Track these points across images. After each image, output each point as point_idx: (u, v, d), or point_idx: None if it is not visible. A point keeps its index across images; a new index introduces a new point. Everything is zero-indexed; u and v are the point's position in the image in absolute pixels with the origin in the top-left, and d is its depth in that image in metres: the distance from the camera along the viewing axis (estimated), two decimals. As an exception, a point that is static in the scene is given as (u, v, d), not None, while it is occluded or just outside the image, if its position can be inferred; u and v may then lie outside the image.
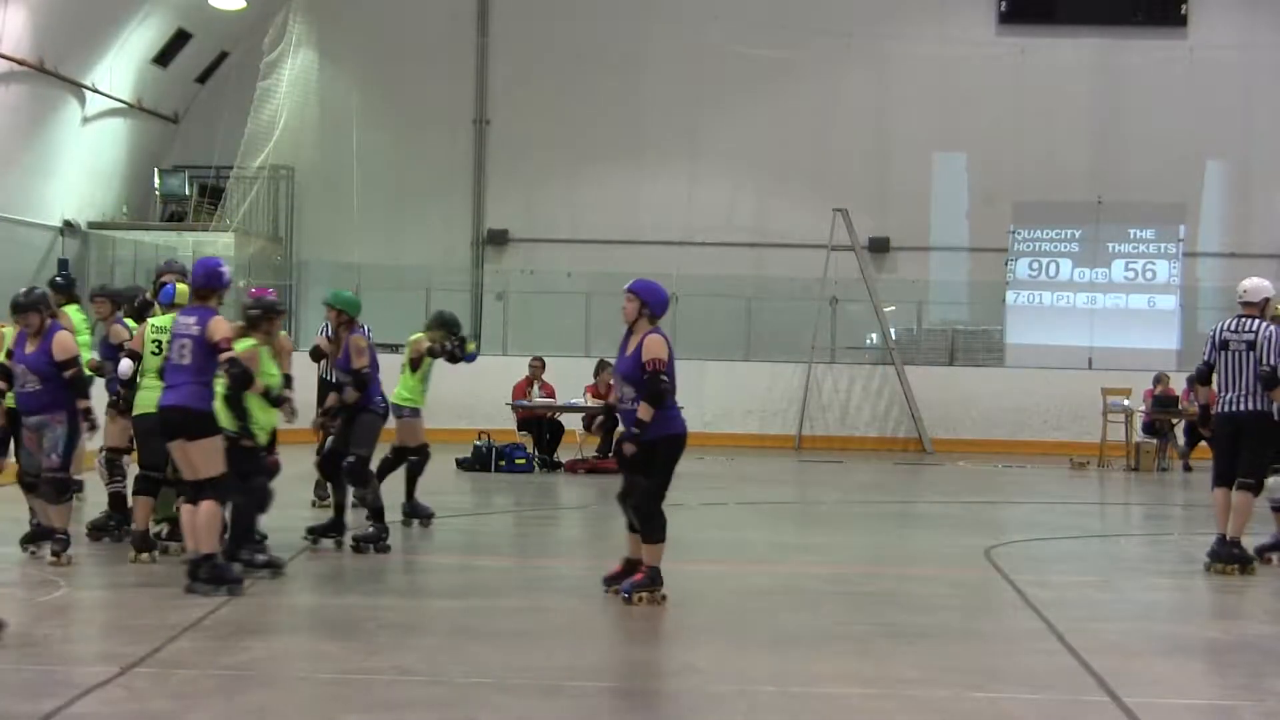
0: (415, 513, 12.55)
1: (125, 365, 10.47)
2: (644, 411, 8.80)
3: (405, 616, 8.86)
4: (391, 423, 11.91)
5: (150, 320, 10.36)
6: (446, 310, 13.30)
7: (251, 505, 9.67)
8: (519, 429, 19.22)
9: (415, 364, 12.52)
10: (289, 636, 8.12)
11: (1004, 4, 26.29)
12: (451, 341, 12.71)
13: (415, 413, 12.56)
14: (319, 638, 8.03)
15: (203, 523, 8.99)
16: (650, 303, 9.02)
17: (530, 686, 7.00)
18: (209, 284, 9.31)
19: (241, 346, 9.50)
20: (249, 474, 9.57)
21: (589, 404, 19.42)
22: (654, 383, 8.73)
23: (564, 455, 19.27)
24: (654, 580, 8.88)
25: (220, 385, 9.24)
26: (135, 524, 10.39)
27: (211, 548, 9.00)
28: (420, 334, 12.71)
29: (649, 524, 8.87)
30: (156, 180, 25.67)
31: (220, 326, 9.06)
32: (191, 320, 9.14)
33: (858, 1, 26.45)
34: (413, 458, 12.59)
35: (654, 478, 8.92)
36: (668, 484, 8.96)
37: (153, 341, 10.18)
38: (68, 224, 23.28)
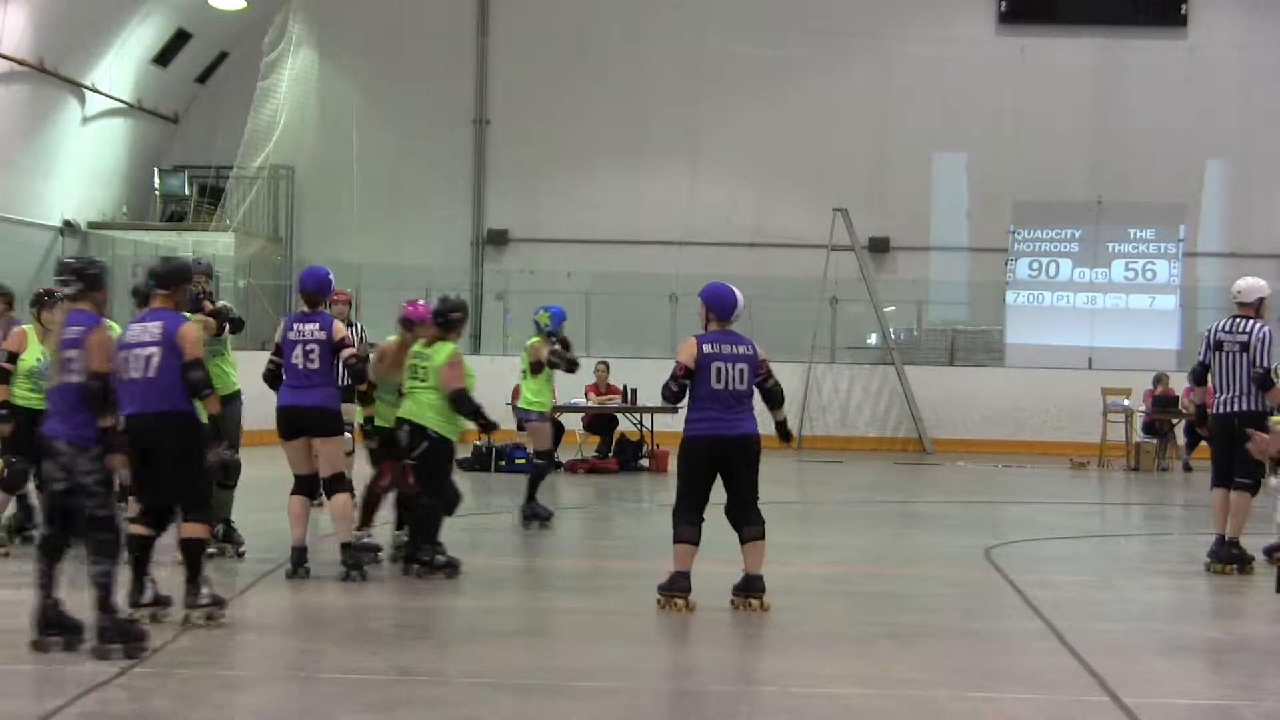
0: (534, 514, 12.55)
1: None
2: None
3: (405, 616, 8.86)
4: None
5: None
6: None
7: (441, 507, 9.93)
8: (519, 429, 19.19)
9: (536, 368, 12.60)
10: (289, 636, 8.12)
11: (1004, 4, 26.29)
12: (549, 341, 12.78)
13: (542, 416, 12.69)
14: (319, 638, 8.03)
15: (339, 514, 9.61)
16: (710, 306, 8.94)
17: (530, 686, 7.00)
18: (320, 290, 9.93)
19: (445, 352, 9.84)
20: (445, 477, 9.93)
21: (589, 404, 19.42)
22: (669, 378, 8.80)
23: (564, 455, 19.27)
24: (672, 584, 8.78)
25: (431, 394, 9.75)
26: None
27: (348, 536, 9.62)
28: (536, 339, 12.79)
29: (673, 523, 8.86)
30: (156, 180, 25.68)
31: (340, 328, 9.72)
32: (315, 326, 9.63)
33: (858, 1, 26.46)
34: (539, 461, 12.62)
35: (678, 478, 8.95)
36: (685, 486, 8.81)
37: None
38: (68, 224, 23.30)
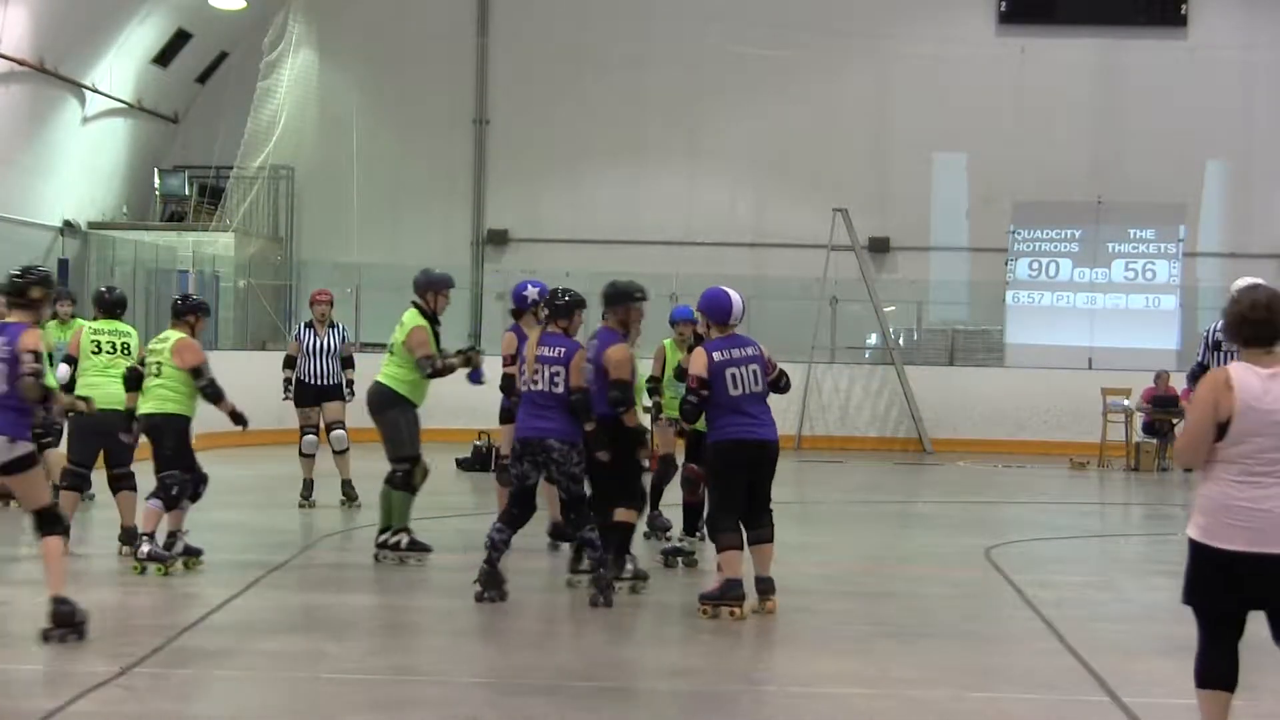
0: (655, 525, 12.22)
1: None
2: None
3: (405, 616, 8.86)
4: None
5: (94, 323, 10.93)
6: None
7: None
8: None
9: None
10: (289, 636, 8.12)
11: (1004, 4, 26.27)
12: None
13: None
14: (319, 638, 8.04)
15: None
16: (707, 313, 8.95)
17: (530, 686, 7.00)
18: (519, 306, 10.73)
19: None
20: None
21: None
22: (686, 392, 8.83)
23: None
24: (727, 592, 8.70)
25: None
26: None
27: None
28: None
29: (713, 532, 8.85)
30: (156, 180, 25.67)
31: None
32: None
33: (858, 1, 26.44)
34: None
35: (711, 486, 8.95)
36: (723, 493, 8.80)
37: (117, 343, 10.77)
38: (68, 224, 23.28)
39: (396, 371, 10.44)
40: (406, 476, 10.41)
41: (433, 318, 10.50)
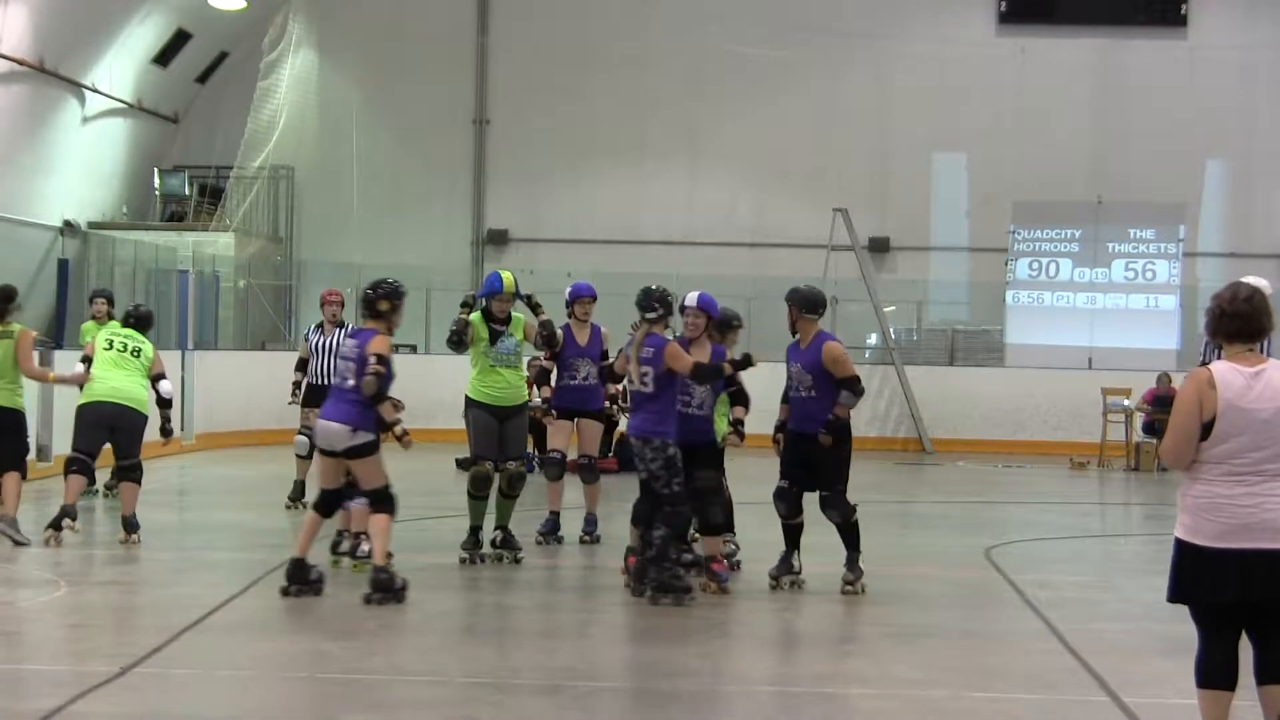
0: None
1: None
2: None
3: (405, 616, 8.86)
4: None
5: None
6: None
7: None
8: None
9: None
10: (289, 636, 8.12)
11: (1004, 4, 26.27)
12: None
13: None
14: (319, 638, 8.04)
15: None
16: (717, 314, 9.66)
17: (530, 686, 7.00)
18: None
19: None
20: None
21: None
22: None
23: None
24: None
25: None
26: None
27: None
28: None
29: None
30: (156, 180, 25.67)
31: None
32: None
33: (858, 1, 26.45)
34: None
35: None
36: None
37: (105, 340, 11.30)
38: (68, 224, 23.28)
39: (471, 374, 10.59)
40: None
41: (490, 317, 10.56)
